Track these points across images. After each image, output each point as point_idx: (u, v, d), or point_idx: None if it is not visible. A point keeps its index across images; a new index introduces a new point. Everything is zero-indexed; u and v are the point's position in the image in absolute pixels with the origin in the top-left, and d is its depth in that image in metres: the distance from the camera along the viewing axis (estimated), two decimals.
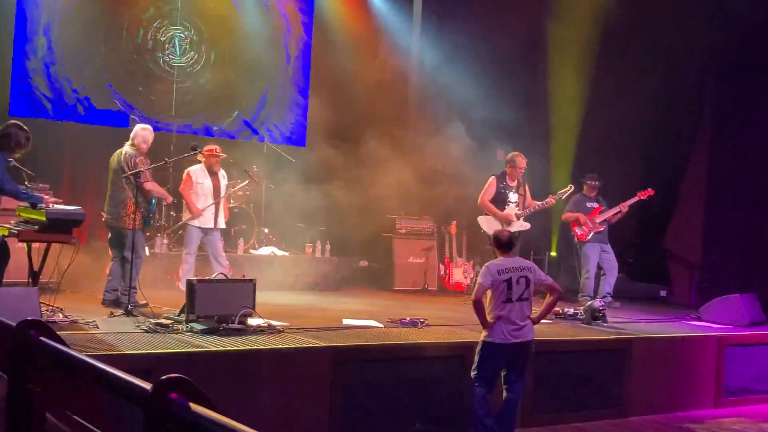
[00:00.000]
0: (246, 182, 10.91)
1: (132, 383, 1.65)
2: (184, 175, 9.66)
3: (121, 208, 8.20)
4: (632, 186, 11.20)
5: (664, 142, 13.01)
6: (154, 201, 8.53)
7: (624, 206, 10.77)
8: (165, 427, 1.52)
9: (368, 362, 6.80)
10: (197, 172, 9.62)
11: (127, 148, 8.25)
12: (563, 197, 10.20)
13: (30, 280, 6.92)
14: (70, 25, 11.52)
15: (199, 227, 9.49)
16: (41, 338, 2.10)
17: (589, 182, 10.90)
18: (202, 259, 9.82)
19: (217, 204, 9.57)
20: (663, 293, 12.75)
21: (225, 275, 7.98)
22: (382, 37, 13.81)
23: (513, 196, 10.01)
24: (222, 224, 9.79)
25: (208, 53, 12.66)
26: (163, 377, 1.59)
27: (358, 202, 11.68)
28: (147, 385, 1.61)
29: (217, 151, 9.74)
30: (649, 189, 10.76)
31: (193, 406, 1.49)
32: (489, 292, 6.69)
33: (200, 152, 8.82)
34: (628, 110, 12.31)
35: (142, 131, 8.39)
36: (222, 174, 9.87)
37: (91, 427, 1.97)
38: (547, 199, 10.07)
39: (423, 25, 13.95)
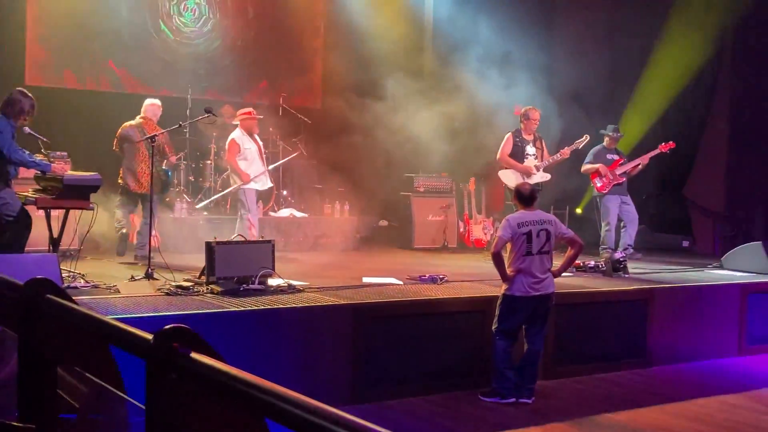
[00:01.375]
0: (294, 154, 10.84)
1: (134, 334, 1.65)
2: (228, 144, 9.66)
3: (140, 174, 8.70)
4: (653, 138, 11.09)
5: (685, 90, 12.81)
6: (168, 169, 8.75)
7: (645, 158, 10.65)
8: (167, 376, 1.51)
9: (389, 319, 6.81)
10: (241, 138, 9.64)
11: (138, 120, 8.86)
12: (579, 147, 10.12)
13: (50, 247, 6.95)
14: None
15: (259, 189, 9.71)
16: (48, 296, 2.10)
17: (610, 134, 10.78)
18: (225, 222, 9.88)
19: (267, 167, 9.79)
20: (685, 244, 12.67)
21: (243, 236, 7.98)
22: None
23: (530, 149, 10.01)
24: (270, 183, 10.02)
25: (218, 17, 12.58)
26: (165, 327, 1.58)
27: (375, 162, 11.64)
28: (149, 336, 1.60)
29: (254, 113, 9.78)
30: (671, 142, 10.63)
31: (195, 355, 1.48)
32: (509, 246, 6.69)
33: (214, 114, 8.79)
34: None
35: (151, 106, 9.14)
36: (256, 136, 9.92)
37: (102, 383, 1.97)
38: (563, 150, 10.01)
39: None
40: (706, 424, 6.50)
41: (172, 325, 1.57)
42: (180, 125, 8.75)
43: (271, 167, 9.97)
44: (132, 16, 11.76)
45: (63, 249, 7.43)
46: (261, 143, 9.93)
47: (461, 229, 12.15)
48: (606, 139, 10.83)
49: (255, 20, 12.90)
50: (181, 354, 1.49)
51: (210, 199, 10.43)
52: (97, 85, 11.63)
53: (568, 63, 12.63)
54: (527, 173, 9.83)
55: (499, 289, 6.80)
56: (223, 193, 10.19)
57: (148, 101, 9.39)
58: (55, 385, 2.19)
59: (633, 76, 12.74)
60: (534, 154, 10.00)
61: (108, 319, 1.81)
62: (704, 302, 8.60)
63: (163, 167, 9.22)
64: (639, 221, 10.90)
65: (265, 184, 9.74)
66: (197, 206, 10.31)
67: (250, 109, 9.84)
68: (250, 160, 9.58)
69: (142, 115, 9.23)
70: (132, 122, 9.18)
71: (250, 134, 9.66)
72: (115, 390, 1.82)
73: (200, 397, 1.42)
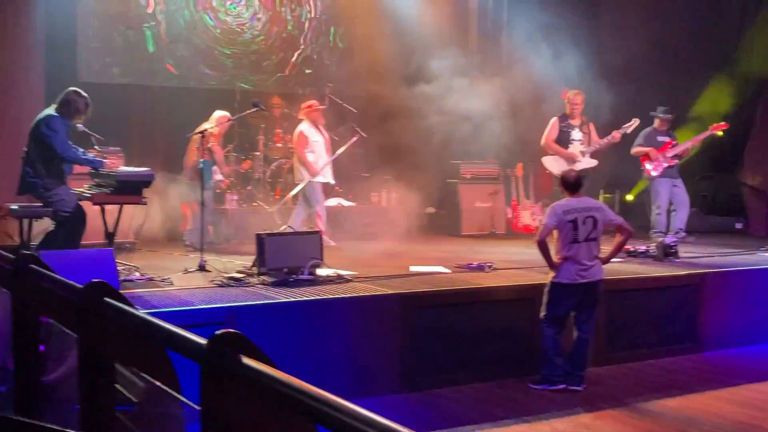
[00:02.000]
0: (354, 138, 10.94)
1: (189, 339, 1.72)
2: (297, 137, 9.87)
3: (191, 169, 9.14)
4: (705, 121, 10.92)
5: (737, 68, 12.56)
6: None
7: (696, 140, 10.51)
8: (221, 380, 1.58)
9: (437, 308, 6.84)
10: (309, 130, 9.85)
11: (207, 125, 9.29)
12: (628, 131, 10.00)
13: (106, 241, 7.14)
14: None
15: (323, 182, 9.93)
16: (106, 299, 2.19)
17: (661, 116, 10.63)
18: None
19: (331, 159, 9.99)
20: (739, 226, 12.46)
21: (291, 228, 8.10)
22: None
23: (576, 134, 9.90)
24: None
25: (264, 7, 12.68)
26: (218, 332, 1.65)
27: (422, 149, 11.63)
28: (203, 341, 1.68)
29: (317, 104, 9.92)
30: (723, 122, 10.46)
31: (246, 360, 1.55)
32: (556, 233, 6.68)
33: (262, 108, 8.91)
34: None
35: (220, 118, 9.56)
36: (322, 128, 10.10)
37: (158, 384, 2.06)
38: (612, 134, 9.89)
39: None
40: (759, 409, 6.43)
41: (225, 330, 1.64)
42: (229, 120, 8.92)
43: (333, 156, 10.11)
44: (179, 9, 11.92)
45: (119, 242, 7.62)
46: (326, 135, 10.05)
47: (509, 215, 12.13)
48: (656, 120, 10.69)
49: (300, 12, 12.96)
50: (234, 359, 1.56)
51: (283, 200, 10.53)
52: (148, 80, 11.82)
53: (618, 39, 12.45)
54: (572, 159, 9.71)
55: (546, 277, 6.80)
56: (295, 191, 10.24)
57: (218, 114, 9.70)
58: (113, 382, 2.29)
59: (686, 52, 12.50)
60: (580, 140, 9.89)
61: (163, 323, 1.89)
62: (757, 286, 8.47)
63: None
64: (691, 204, 10.76)
65: (328, 176, 9.93)
66: (271, 210, 10.41)
67: (314, 101, 10.02)
68: (317, 153, 9.77)
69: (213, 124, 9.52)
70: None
71: (316, 126, 9.83)
72: (170, 391, 1.90)
73: (252, 400, 1.48)
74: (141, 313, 2.02)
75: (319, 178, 9.79)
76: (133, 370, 2.13)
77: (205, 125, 9.35)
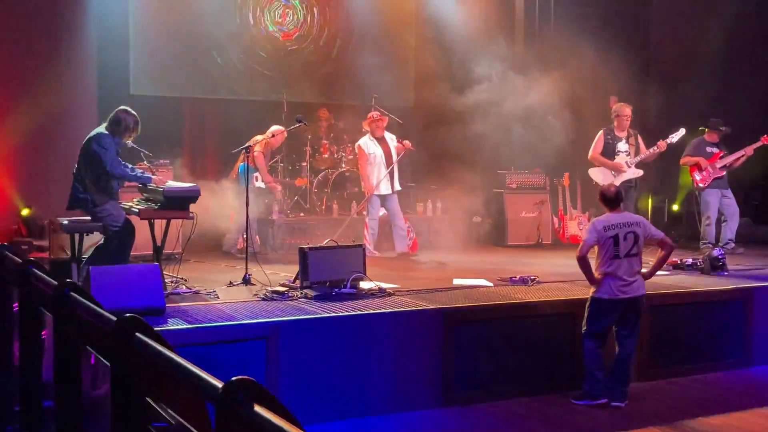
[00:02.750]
0: (403, 152, 10.98)
1: (205, 381, 1.80)
2: (357, 150, 10.17)
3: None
4: (756, 130, 10.73)
5: None
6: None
7: (749, 150, 10.37)
8: (233, 426, 1.66)
9: (478, 322, 6.87)
10: (367, 143, 10.07)
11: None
12: (674, 141, 9.91)
13: (154, 255, 7.32)
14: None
15: (378, 195, 10.08)
16: (137, 334, 2.29)
17: (717, 128, 10.51)
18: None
19: (391, 169, 10.06)
20: None
21: (335, 242, 8.16)
22: None
23: (623, 146, 9.89)
24: (398, 187, 10.32)
25: (311, 23, 12.83)
26: (234, 378, 1.72)
27: (468, 158, 11.65)
28: (219, 384, 1.75)
29: (375, 117, 10.05)
30: None
31: (258, 409, 1.62)
32: (597, 249, 6.66)
33: (305, 123, 9.01)
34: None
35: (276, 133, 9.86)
36: (389, 137, 10.27)
37: (186, 424, 2.13)
38: (658, 143, 9.84)
39: None
40: None
41: (240, 377, 1.72)
42: (273, 135, 9.11)
43: (389, 169, 10.21)
44: (228, 22, 12.13)
45: (167, 253, 7.79)
46: (392, 143, 10.24)
47: (556, 225, 12.08)
48: (708, 132, 10.58)
49: (346, 22, 13.08)
50: (247, 406, 1.64)
51: (344, 225, 10.61)
52: (198, 92, 12.05)
53: (669, 45, 12.30)
54: (618, 170, 9.75)
55: (588, 291, 6.78)
56: (364, 202, 10.45)
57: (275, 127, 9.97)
58: (145, 413, 2.38)
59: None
60: (626, 151, 9.88)
61: (185, 362, 1.98)
62: None
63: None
64: (742, 214, 10.61)
65: (384, 189, 10.09)
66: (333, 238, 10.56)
67: (371, 114, 10.21)
68: (373, 166, 9.92)
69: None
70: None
71: (376, 138, 9.98)
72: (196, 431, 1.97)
73: None
74: (167, 351, 2.11)
75: (375, 192, 9.98)
76: (162, 406, 2.22)
77: (258, 137, 9.53)
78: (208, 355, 5.75)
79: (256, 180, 10.00)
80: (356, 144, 10.19)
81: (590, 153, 10.01)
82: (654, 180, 11.66)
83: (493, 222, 12.16)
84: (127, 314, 2.45)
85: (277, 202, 10.65)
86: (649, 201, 12.12)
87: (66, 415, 3.04)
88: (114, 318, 2.50)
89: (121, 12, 11.33)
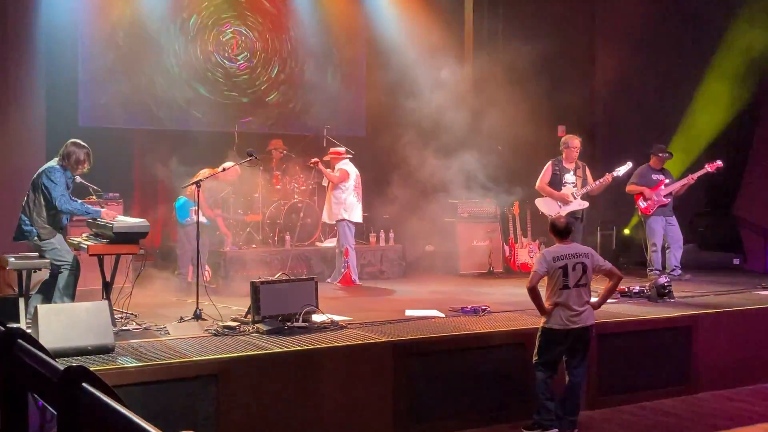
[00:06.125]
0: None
1: None
2: (338, 173, 10.52)
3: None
4: (700, 157, 11.06)
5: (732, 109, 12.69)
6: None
7: (692, 178, 10.63)
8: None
9: (429, 354, 6.91)
10: (349, 165, 10.68)
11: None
12: (620, 174, 10.15)
13: (103, 292, 7.24)
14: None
15: (355, 223, 10.60)
16: (84, 385, 2.29)
17: (658, 154, 10.77)
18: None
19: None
20: (736, 261, 12.50)
21: (287, 275, 8.17)
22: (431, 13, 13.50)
23: (570, 177, 10.07)
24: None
25: (262, 51, 12.86)
26: None
27: (419, 188, 11.77)
28: None
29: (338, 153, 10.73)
30: (718, 161, 10.59)
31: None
32: (546, 279, 6.76)
33: (256, 158, 9.01)
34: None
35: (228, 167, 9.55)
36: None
37: None
38: (605, 176, 10.04)
39: None
40: None
41: None
42: (224, 169, 9.12)
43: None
44: (178, 52, 12.10)
45: (117, 287, 7.68)
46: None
47: (507, 254, 12.22)
48: (652, 158, 10.83)
49: (296, 53, 13.14)
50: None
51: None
52: (147, 123, 11.98)
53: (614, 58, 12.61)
54: (564, 201, 9.92)
55: (540, 321, 6.87)
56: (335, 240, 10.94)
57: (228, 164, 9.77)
58: None
59: (682, 96, 12.65)
60: (573, 182, 10.06)
61: (132, 415, 1.98)
62: (750, 326, 8.52)
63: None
64: (688, 240, 10.86)
65: (359, 217, 10.65)
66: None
67: (337, 149, 10.71)
68: (348, 191, 10.45)
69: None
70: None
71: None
72: None
73: None
74: (112, 402, 2.11)
75: (355, 218, 10.54)
76: None
77: (205, 171, 9.44)
78: (159, 392, 5.71)
79: (195, 214, 9.93)
80: (337, 167, 10.58)
81: (537, 183, 10.17)
82: (602, 211, 11.89)
83: (446, 251, 12.26)
84: (74, 364, 2.44)
85: (225, 235, 10.61)
86: (598, 232, 12.34)
87: None
88: (60, 368, 2.50)
89: (70, 43, 11.23)
